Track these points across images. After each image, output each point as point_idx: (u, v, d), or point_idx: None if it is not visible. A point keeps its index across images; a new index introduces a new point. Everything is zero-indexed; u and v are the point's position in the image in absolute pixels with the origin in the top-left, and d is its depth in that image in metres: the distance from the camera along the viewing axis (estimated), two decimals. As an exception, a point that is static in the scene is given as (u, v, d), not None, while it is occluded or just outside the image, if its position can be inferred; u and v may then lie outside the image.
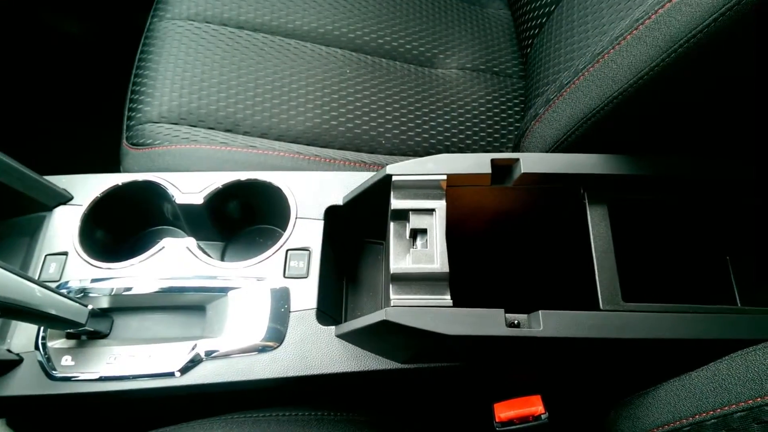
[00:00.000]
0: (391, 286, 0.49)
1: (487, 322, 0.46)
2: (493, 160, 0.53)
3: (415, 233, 0.51)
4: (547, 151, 0.59)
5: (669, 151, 0.53)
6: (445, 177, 0.53)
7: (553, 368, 0.55)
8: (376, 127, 0.79)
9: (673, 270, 0.60)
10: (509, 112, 0.86)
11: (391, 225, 0.52)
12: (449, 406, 0.59)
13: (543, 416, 0.56)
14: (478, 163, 0.53)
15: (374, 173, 0.55)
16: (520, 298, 0.63)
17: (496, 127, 0.85)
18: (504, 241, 0.64)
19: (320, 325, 0.52)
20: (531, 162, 0.53)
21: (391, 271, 0.49)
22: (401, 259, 0.50)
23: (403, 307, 0.47)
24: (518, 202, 0.57)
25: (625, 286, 0.51)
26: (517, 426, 0.56)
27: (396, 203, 0.52)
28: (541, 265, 0.65)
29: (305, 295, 0.53)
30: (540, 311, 0.47)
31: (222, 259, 0.64)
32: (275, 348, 0.51)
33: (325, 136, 0.77)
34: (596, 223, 0.52)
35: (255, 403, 0.53)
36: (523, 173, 0.52)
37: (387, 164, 0.76)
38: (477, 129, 0.84)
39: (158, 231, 0.66)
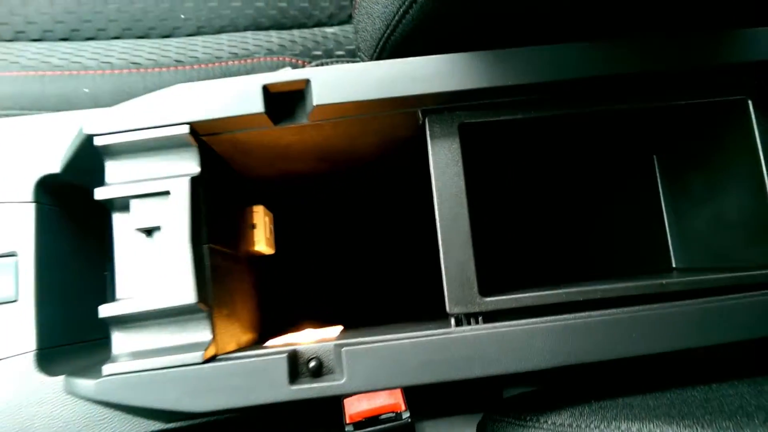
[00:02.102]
0: (111, 333, 0.30)
1: (260, 380, 0.29)
2: (266, 88, 0.31)
3: (149, 232, 0.31)
4: (380, 40, 0.37)
5: (548, 41, 0.31)
6: (187, 129, 0.31)
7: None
8: (169, -6, 0.53)
9: (569, 225, 0.42)
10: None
11: (114, 218, 0.32)
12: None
13: (404, 414, 0.43)
14: (241, 94, 0.31)
15: (78, 127, 0.33)
16: (369, 290, 0.46)
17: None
18: (336, 205, 0.44)
19: (44, 376, 0.34)
20: (330, 85, 0.31)
21: (101, 313, 0.30)
22: (127, 283, 0.31)
23: (125, 374, 0.29)
24: (335, 142, 0.36)
25: (495, 260, 0.34)
26: (376, 428, 0.43)
27: (109, 185, 0.31)
28: (392, 237, 0.46)
29: (17, 329, 0.35)
30: (343, 349, 0.30)
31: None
32: (-20, 420, 0.34)
33: (89, 21, 0.51)
34: (441, 166, 0.32)
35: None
36: (317, 106, 0.31)
37: (182, 60, 0.52)
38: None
39: None
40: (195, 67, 0.50)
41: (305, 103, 0.32)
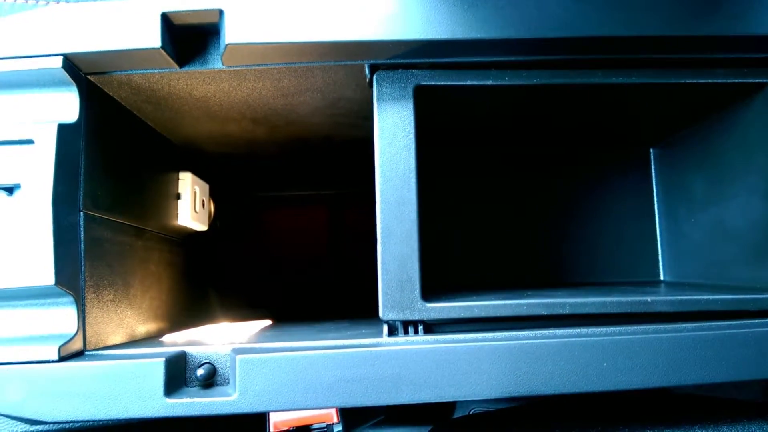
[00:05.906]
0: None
1: (129, 389, 0.23)
2: (167, 18, 0.24)
3: (11, 190, 0.25)
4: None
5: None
6: (59, 62, 0.24)
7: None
8: None
9: (542, 222, 0.36)
10: None
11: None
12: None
13: (336, 428, 0.38)
14: (133, 22, 0.24)
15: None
16: (316, 277, 0.40)
17: None
18: (287, 180, 0.38)
19: None
20: (249, 19, 0.24)
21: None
22: (-26, 253, 0.24)
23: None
24: (266, 98, 0.29)
25: (446, 258, 0.28)
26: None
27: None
28: (349, 218, 0.40)
29: None
30: (238, 357, 0.23)
31: None
32: None
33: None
34: (388, 136, 0.26)
35: None
36: (231, 46, 0.24)
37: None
38: None
39: None
40: None
41: (219, 42, 0.25)
